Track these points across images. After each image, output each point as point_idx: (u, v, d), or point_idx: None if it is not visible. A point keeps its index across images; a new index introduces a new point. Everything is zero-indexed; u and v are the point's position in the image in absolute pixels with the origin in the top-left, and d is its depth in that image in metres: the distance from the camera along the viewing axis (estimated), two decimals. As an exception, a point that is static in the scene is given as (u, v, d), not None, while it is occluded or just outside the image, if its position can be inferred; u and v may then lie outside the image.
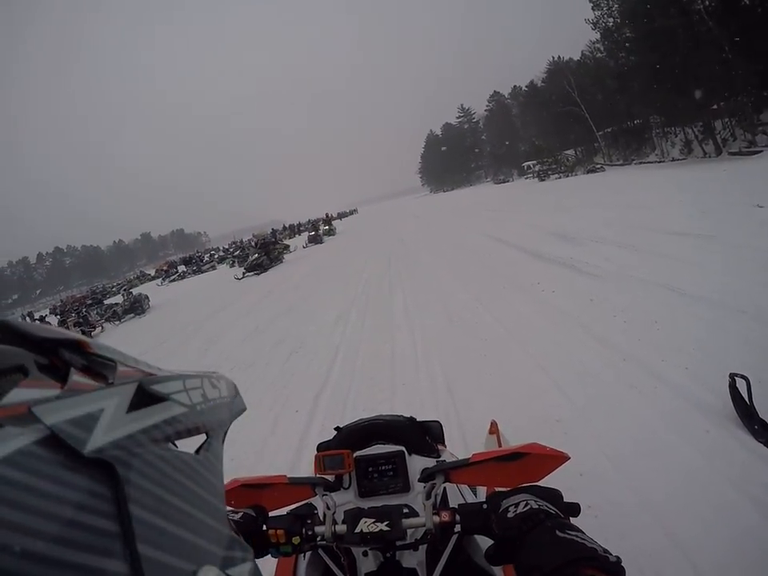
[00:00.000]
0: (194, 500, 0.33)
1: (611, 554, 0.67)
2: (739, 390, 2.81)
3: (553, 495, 0.90)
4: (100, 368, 0.33)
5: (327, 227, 38.42)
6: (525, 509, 0.84)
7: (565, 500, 0.91)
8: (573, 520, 0.86)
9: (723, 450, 2.62)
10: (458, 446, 3.18)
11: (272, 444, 4.00)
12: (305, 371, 5.67)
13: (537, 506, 0.84)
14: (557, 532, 0.73)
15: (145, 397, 0.32)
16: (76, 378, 0.29)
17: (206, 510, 0.34)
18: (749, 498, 2.27)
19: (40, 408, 0.25)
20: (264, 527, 1.03)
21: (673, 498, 2.38)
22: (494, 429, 2.72)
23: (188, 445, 0.36)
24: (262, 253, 22.26)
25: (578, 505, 0.90)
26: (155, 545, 0.27)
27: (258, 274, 20.77)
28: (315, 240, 31.61)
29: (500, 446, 2.54)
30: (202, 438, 0.38)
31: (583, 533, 0.74)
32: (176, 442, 0.34)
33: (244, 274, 21.15)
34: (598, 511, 2.35)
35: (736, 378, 2.81)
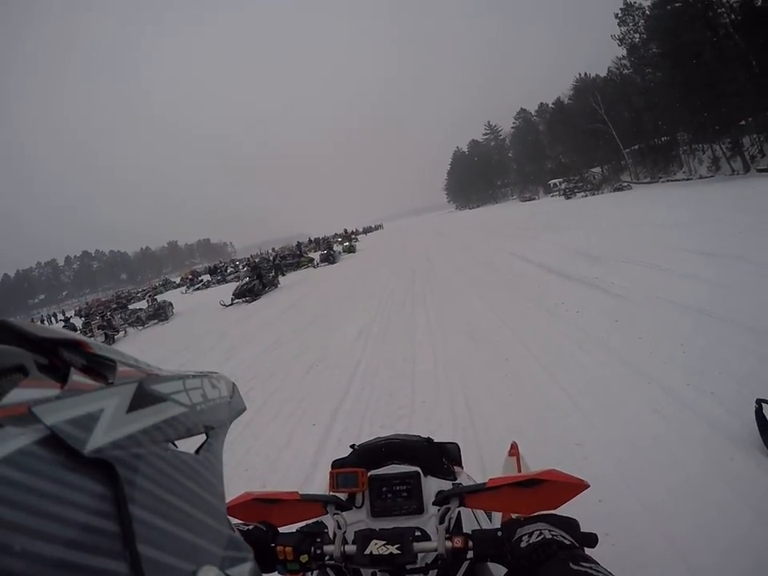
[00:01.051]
0: (194, 500, 0.33)
1: None
2: (766, 416, 2.74)
3: (569, 524, 0.89)
4: (100, 368, 0.33)
5: (347, 243, 36.76)
6: (538, 538, 0.83)
7: (582, 530, 0.89)
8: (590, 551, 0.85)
9: (748, 478, 2.55)
10: (474, 461, 3.17)
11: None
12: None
13: (550, 536, 0.82)
14: (570, 564, 0.72)
15: (145, 397, 0.32)
16: (76, 378, 0.29)
17: (206, 510, 0.34)
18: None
19: (40, 408, 0.25)
20: (273, 543, 1.03)
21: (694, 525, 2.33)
22: (514, 450, 2.68)
23: (188, 445, 0.36)
24: (254, 277, 20.31)
25: (596, 535, 0.88)
26: (155, 545, 0.27)
27: (248, 302, 18.59)
28: (327, 260, 29.31)
29: (519, 468, 2.50)
30: (202, 438, 0.38)
31: (598, 564, 0.73)
32: (176, 442, 0.35)
33: (233, 300, 18.89)
34: (615, 539, 2.31)
35: (763, 404, 2.74)
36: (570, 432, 3.42)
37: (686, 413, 3.32)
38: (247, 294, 19.10)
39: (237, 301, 18.83)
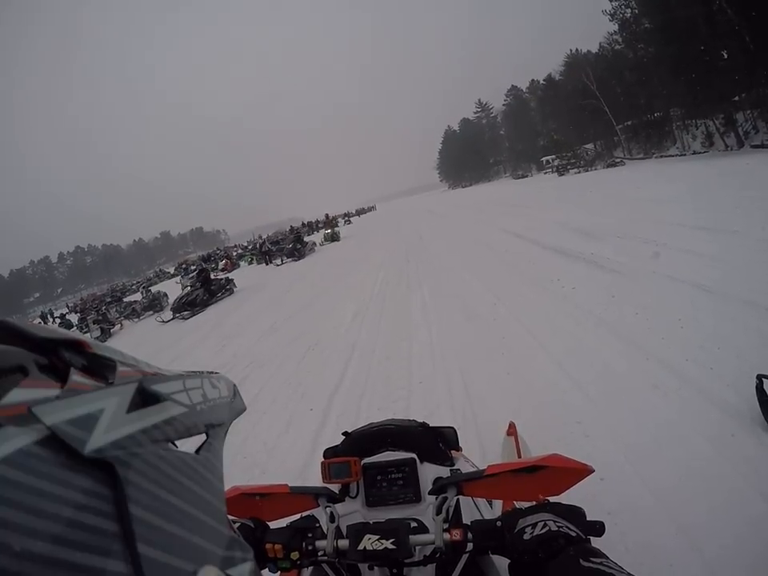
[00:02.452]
0: (194, 500, 0.33)
1: None
2: (767, 391, 2.70)
3: (575, 514, 0.84)
4: (100, 368, 0.33)
5: (329, 231, 31.89)
6: (543, 530, 0.78)
7: (588, 518, 0.84)
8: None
9: (749, 454, 2.53)
10: (472, 442, 3.15)
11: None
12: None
13: (556, 528, 0.78)
14: (581, 561, 0.68)
15: (145, 397, 0.32)
16: (76, 378, 0.29)
17: (206, 510, 0.34)
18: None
19: (40, 408, 0.25)
20: (262, 541, 0.98)
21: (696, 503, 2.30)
22: (512, 430, 2.65)
23: (188, 445, 0.36)
24: (199, 286, 16.33)
25: (602, 523, 0.83)
26: (155, 545, 0.27)
27: (184, 319, 14.74)
28: (292, 254, 24.35)
29: (518, 447, 2.46)
30: (202, 438, 0.38)
31: (608, 559, 0.69)
32: (176, 442, 0.34)
33: (174, 315, 15.45)
34: (618, 518, 2.28)
35: (764, 379, 2.70)
36: (570, 410, 3.39)
37: (685, 388, 3.29)
38: (187, 307, 15.35)
39: (178, 316, 15.28)
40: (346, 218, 61.10)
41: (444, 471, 1.27)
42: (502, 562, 1.08)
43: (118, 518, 0.26)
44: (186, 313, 15.18)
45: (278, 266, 23.69)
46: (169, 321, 15.33)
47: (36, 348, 0.30)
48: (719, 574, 1.94)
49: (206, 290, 16.34)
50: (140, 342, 13.64)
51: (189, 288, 16.57)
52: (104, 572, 0.24)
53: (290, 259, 24.04)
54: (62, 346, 0.32)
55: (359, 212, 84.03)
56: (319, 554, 0.97)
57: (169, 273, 60.71)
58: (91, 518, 0.24)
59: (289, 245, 25.32)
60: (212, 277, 17.54)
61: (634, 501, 2.41)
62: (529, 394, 3.78)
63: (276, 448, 3.99)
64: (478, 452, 3.06)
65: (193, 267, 42.15)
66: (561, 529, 0.78)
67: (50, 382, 0.28)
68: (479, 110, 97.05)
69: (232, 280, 18.14)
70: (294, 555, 0.95)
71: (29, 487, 0.22)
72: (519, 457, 2.37)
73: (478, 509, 1.27)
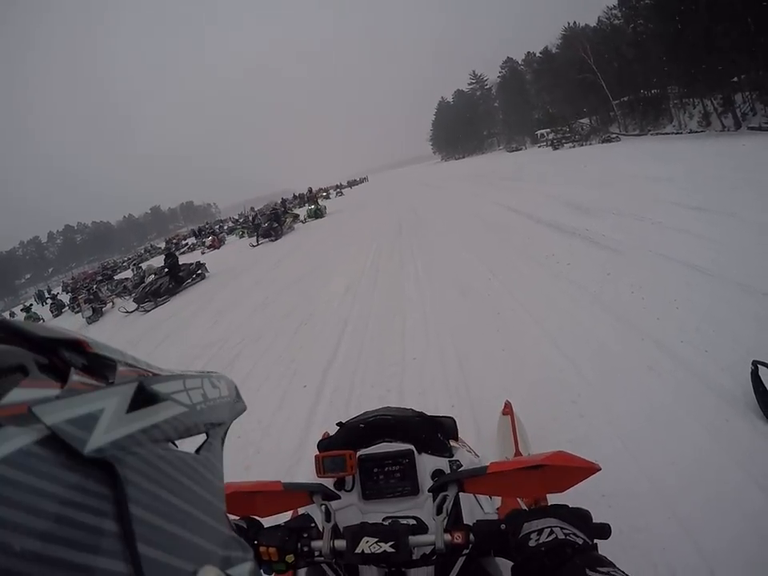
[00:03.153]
0: (195, 500, 0.33)
1: None
2: (761, 378, 2.69)
3: (581, 518, 0.82)
4: (100, 368, 0.33)
5: (312, 207, 27.88)
6: (549, 538, 0.76)
7: (594, 521, 0.83)
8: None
9: (742, 441, 2.54)
10: (467, 421, 3.15)
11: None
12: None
13: (563, 536, 0.76)
14: (587, 571, 0.66)
15: (145, 397, 0.32)
16: (76, 377, 0.29)
17: (206, 509, 0.34)
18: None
19: (40, 408, 0.25)
20: (255, 541, 0.95)
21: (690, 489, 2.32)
22: (507, 409, 2.65)
23: (188, 445, 0.36)
24: (165, 272, 14.90)
25: (609, 526, 0.82)
26: (155, 545, 0.27)
27: (145, 311, 13.56)
28: (268, 234, 21.99)
29: (514, 426, 2.46)
30: (202, 437, 0.38)
31: (615, 567, 0.68)
32: (176, 442, 0.34)
33: (137, 306, 14.13)
34: (612, 501, 2.29)
35: (759, 365, 2.70)
36: (565, 389, 3.40)
37: (680, 371, 3.29)
38: (150, 296, 14.05)
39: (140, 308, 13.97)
40: (338, 190, 60.24)
41: (443, 462, 1.23)
42: (503, 562, 1.06)
43: (118, 518, 0.26)
44: (148, 304, 13.90)
45: (253, 246, 21.35)
46: (132, 312, 14.23)
47: (36, 348, 0.30)
48: (711, 556, 1.96)
49: (173, 276, 14.86)
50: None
51: (153, 276, 15.28)
52: (104, 572, 0.24)
53: (267, 239, 21.71)
54: (62, 346, 0.32)
55: (350, 183, 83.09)
56: (315, 554, 0.94)
57: (159, 248, 60.30)
58: (91, 518, 0.24)
59: (265, 224, 22.78)
60: (181, 262, 15.98)
61: (629, 485, 2.42)
62: (523, 371, 3.79)
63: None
64: (473, 428, 3.06)
65: (184, 242, 41.81)
66: (568, 537, 0.76)
67: (50, 381, 0.28)
68: (473, 81, 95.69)
69: (203, 264, 16.42)
70: (290, 558, 0.93)
71: (29, 487, 0.22)
72: (515, 436, 2.37)
73: (478, 502, 1.25)
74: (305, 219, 26.69)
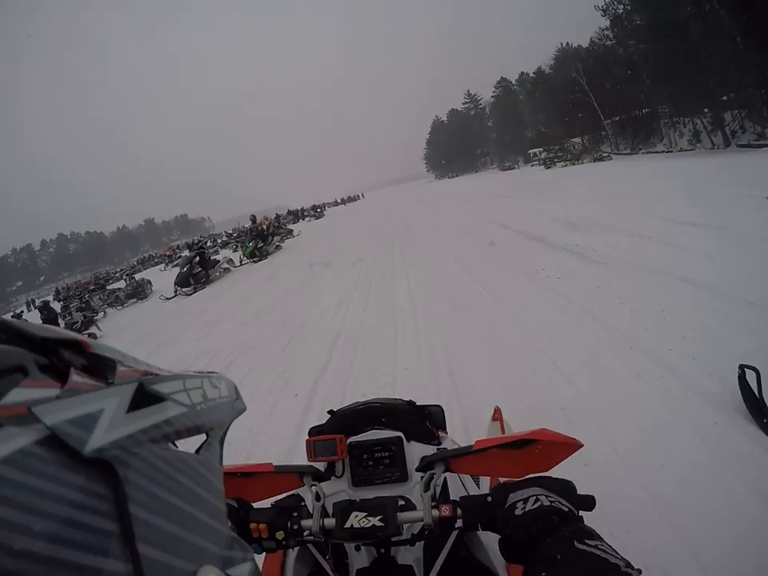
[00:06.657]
0: (194, 500, 0.33)
1: (633, 568, 0.61)
2: (749, 382, 2.73)
3: (565, 488, 0.83)
4: (100, 368, 0.33)
5: (251, 244, 19.35)
6: (535, 506, 0.77)
7: (578, 492, 0.84)
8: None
9: (731, 443, 2.56)
10: (458, 427, 3.15)
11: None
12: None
13: (548, 503, 0.77)
14: (575, 543, 0.67)
15: (145, 397, 0.32)
16: (76, 378, 0.29)
17: (206, 509, 0.34)
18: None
19: (40, 408, 0.25)
20: (246, 521, 0.96)
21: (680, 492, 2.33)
22: (497, 415, 2.65)
23: (188, 445, 0.36)
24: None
25: (593, 498, 0.83)
26: (155, 545, 0.27)
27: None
28: (186, 282, 15.30)
29: (503, 433, 2.46)
30: (202, 438, 0.39)
31: (603, 541, 0.68)
32: (176, 442, 0.35)
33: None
34: (601, 503, 2.30)
35: (746, 369, 2.73)
36: (554, 397, 3.41)
37: (669, 377, 3.32)
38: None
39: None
40: (318, 210, 52.06)
41: (431, 450, 1.25)
42: (489, 539, 1.07)
43: (118, 518, 0.26)
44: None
45: (166, 299, 15.44)
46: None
47: (36, 348, 0.30)
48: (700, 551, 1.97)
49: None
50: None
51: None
52: (104, 572, 0.24)
53: (185, 289, 15.22)
54: (62, 346, 0.32)
55: (345, 200, 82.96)
56: (305, 533, 0.95)
57: (153, 260, 60.23)
58: (91, 518, 0.24)
59: (183, 268, 15.88)
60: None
61: (619, 488, 2.43)
62: (513, 380, 3.80)
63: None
64: (463, 437, 3.06)
65: (178, 255, 41.29)
66: (553, 503, 0.77)
67: (50, 382, 0.28)
68: (468, 101, 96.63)
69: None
70: (280, 535, 0.94)
71: (29, 487, 0.22)
72: None
73: (464, 487, 1.27)
74: (240, 261, 19.40)
